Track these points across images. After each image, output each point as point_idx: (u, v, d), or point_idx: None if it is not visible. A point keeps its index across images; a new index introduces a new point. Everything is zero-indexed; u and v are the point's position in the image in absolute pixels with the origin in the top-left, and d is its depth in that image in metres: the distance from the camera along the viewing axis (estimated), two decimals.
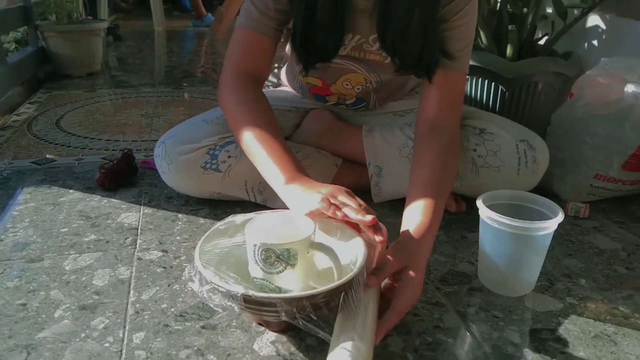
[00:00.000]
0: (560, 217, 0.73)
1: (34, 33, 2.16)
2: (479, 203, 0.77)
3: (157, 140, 1.03)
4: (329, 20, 0.86)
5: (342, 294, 0.61)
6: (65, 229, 0.93)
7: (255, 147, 0.81)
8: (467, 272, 0.84)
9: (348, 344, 0.57)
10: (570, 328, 0.71)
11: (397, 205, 1.04)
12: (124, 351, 0.64)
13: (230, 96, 0.89)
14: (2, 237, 0.91)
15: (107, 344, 0.65)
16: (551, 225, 0.72)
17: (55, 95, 1.90)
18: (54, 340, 0.66)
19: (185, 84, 2.16)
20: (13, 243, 0.89)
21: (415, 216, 0.74)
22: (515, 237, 0.73)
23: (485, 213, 0.75)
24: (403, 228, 0.73)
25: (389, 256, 0.67)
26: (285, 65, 1.21)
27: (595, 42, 1.41)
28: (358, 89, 1.07)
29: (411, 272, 0.66)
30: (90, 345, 0.65)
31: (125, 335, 0.67)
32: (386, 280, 0.69)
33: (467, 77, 1.38)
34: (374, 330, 0.61)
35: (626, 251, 0.92)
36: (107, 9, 3.70)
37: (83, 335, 0.67)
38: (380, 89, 1.09)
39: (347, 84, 1.06)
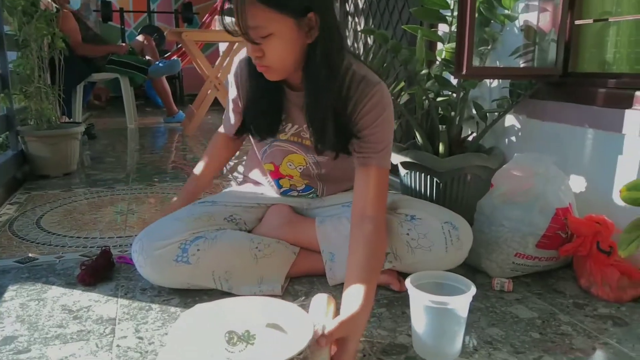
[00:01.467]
0: (472, 292, 0.89)
1: (15, 138, 2.32)
2: (407, 283, 0.93)
3: (131, 236, 1.17)
4: (268, 107, 1.16)
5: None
6: (50, 322, 1.04)
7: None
8: (405, 344, 0.98)
9: None
10: None
11: None
12: None
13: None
14: None
15: None
16: (464, 299, 0.88)
17: (34, 195, 2.03)
18: None
19: (156, 180, 2.32)
20: (1, 337, 0.99)
21: (352, 298, 0.90)
22: (436, 310, 0.88)
23: (412, 291, 0.91)
24: (343, 307, 0.89)
25: (334, 327, 0.83)
26: (247, 161, 1.46)
27: (513, 139, 1.65)
28: (300, 168, 1.26)
29: (349, 342, 0.83)
30: None
31: None
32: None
33: (406, 171, 1.59)
34: None
35: (541, 319, 1.08)
36: (81, 109, 3.92)
37: None
38: (325, 176, 1.27)
39: (290, 164, 1.26)
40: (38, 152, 2.28)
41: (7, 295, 1.17)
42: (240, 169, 2.59)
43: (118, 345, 0.96)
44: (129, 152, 3.15)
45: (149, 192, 2.11)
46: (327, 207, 1.32)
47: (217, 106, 4.10)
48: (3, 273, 1.28)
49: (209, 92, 3.80)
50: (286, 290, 1.19)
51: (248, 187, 1.41)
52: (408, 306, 1.12)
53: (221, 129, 1.37)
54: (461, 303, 0.89)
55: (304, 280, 1.24)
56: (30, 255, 1.41)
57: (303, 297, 1.14)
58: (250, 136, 1.28)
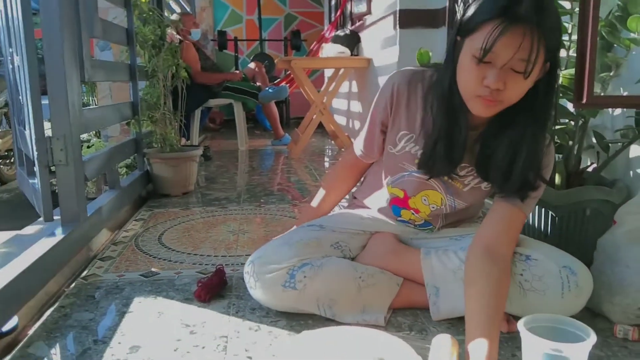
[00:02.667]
0: (592, 340, 0.83)
1: (142, 159, 2.56)
2: (520, 326, 0.88)
3: (242, 256, 1.24)
4: (458, 146, 1.10)
5: None
6: (169, 336, 1.13)
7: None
8: None
9: None
10: None
11: (455, 323, 1.16)
12: None
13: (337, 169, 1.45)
14: (120, 340, 1.11)
15: None
16: (584, 347, 0.83)
17: (157, 213, 2.21)
18: None
19: (262, 201, 2.42)
20: (130, 346, 1.09)
21: (480, 347, 0.88)
22: (552, 358, 0.83)
23: (525, 335, 0.87)
24: (470, 353, 0.88)
25: None
26: (365, 184, 1.45)
27: (639, 171, 1.52)
28: (433, 207, 1.24)
29: None
30: None
31: None
32: None
33: None
34: None
35: None
36: (198, 131, 4.22)
37: None
38: (450, 215, 1.26)
39: (425, 200, 1.24)
40: (161, 173, 2.49)
41: (133, 306, 1.28)
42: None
43: None
44: (240, 173, 3.34)
45: (257, 213, 2.21)
46: (434, 239, 1.31)
47: (321, 129, 4.22)
48: (130, 285, 1.41)
49: (314, 116, 3.92)
50: (389, 321, 1.18)
51: (355, 211, 1.43)
52: (518, 348, 1.07)
53: (356, 150, 1.34)
54: (580, 351, 0.83)
55: (407, 313, 1.23)
56: (153, 269, 1.54)
57: (407, 331, 1.13)
58: (383, 158, 1.27)
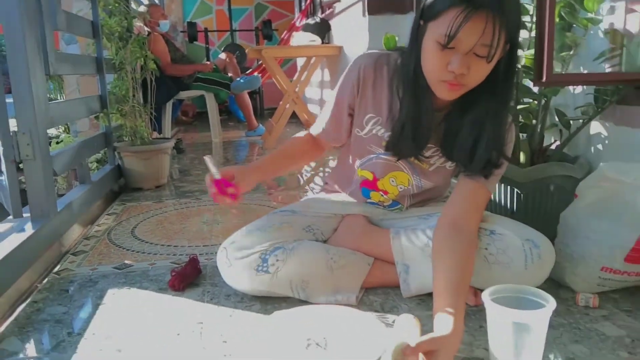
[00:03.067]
0: (552, 305, 0.87)
1: (112, 153, 2.53)
2: (484, 296, 0.92)
3: (216, 245, 1.25)
4: (424, 129, 1.12)
5: None
6: (144, 323, 1.13)
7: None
8: (482, 358, 0.97)
9: None
10: None
11: (425, 299, 1.19)
12: None
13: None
14: (95, 331, 1.11)
15: None
16: (544, 313, 0.86)
17: (129, 206, 2.20)
18: None
19: None
20: (104, 336, 1.09)
21: (445, 316, 0.91)
22: (514, 326, 0.87)
23: (489, 305, 0.90)
24: (436, 324, 0.90)
25: (423, 340, 0.84)
26: (334, 169, 1.47)
27: (599, 147, 1.57)
28: (401, 188, 1.27)
29: (440, 356, 0.83)
30: None
31: None
32: None
33: None
34: None
35: (631, 337, 1.03)
36: (170, 124, 4.18)
37: None
38: (417, 195, 1.29)
39: (392, 181, 1.27)
40: (132, 167, 2.47)
41: (107, 298, 1.28)
42: (318, 180, 2.65)
43: (204, 348, 1.03)
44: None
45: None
46: (402, 218, 1.33)
47: (295, 119, 4.22)
48: (103, 278, 1.41)
49: (287, 106, 3.92)
50: (361, 300, 1.21)
51: (325, 196, 1.45)
52: (484, 320, 1.11)
53: (316, 130, 1.31)
54: (540, 318, 0.87)
55: (379, 291, 1.26)
56: (126, 262, 1.53)
57: (379, 309, 1.16)
58: (351, 141, 1.28)
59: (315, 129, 1.32)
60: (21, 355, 1.03)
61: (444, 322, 0.89)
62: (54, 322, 1.16)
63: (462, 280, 1.00)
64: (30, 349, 1.06)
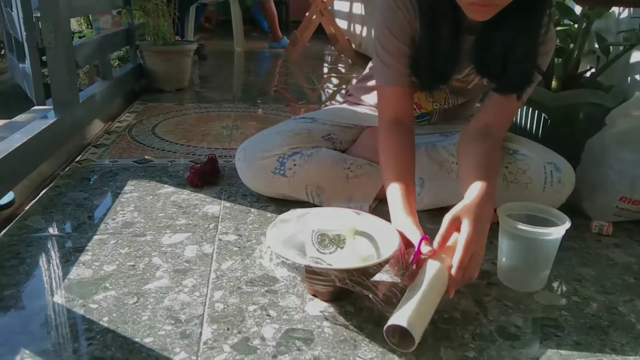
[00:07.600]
0: (566, 225, 0.87)
1: (134, 52, 2.50)
2: (499, 212, 0.92)
3: (235, 149, 1.25)
4: (451, 52, 1.01)
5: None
6: (162, 214, 1.17)
7: (391, 189, 1.01)
8: (489, 271, 0.98)
9: (407, 305, 0.73)
10: (569, 319, 0.84)
11: (436, 214, 1.19)
12: (207, 303, 0.84)
13: (384, 145, 1.06)
14: (114, 217, 1.15)
15: (195, 297, 0.86)
16: (557, 231, 0.86)
17: (150, 107, 2.20)
18: (156, 291, 0.87)
19: (259, 101, 2.41)
20: (123, 222, 1.13)
21: (473, 190, 0.90)
22: (526, 240, 0.87)
23: (502, 220, 0.90)
24: (465, 198, 0.89)
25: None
26: (360, 80, 1.43)
27: (637, 77, 1.50)
28: (436, 105, 1.25)
29: (467, 220, 0.83)
30: (183, 296, 0.86)
31: (208, 292, 0.87)
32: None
33: None
34: (434, 295, 0.77)
35: (639, 265, 1.03)
36: (193, 30, 4.08)
37: (177, 289, 0.88)
38: (448, 110, 1.27)
39: (429, 97, 1.25)
40: (154, 67, 2.44)
41: (127, 188, 1.31)
42: (339, 97, 2.61)
43: (220, 239, 1.06)
44: (235, 74, 3.28)
45: (252, 112, 2.20)
46: (425, 134, 1.31)
47: (321, 34, 4.08)
48: (123, 170, 1.44)
49: (314, 17, 3.78)
50: (374, 210, 1.22)
51: (348, 107, 1.43)
52: (496, 237, 1.11)
53: (391, 82, 1.07)
54: (553, 234, 0.87)
55: None
56: (146, 157, 1.55)
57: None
58: None
59: (391, 82, 1.08)
60: (45, 233, 1.08)
61: (467, 195, 0.89)
62: (75, 206, 1.20)
63: (488, 168, 0.97)
64: (53, 228, 1.11)
